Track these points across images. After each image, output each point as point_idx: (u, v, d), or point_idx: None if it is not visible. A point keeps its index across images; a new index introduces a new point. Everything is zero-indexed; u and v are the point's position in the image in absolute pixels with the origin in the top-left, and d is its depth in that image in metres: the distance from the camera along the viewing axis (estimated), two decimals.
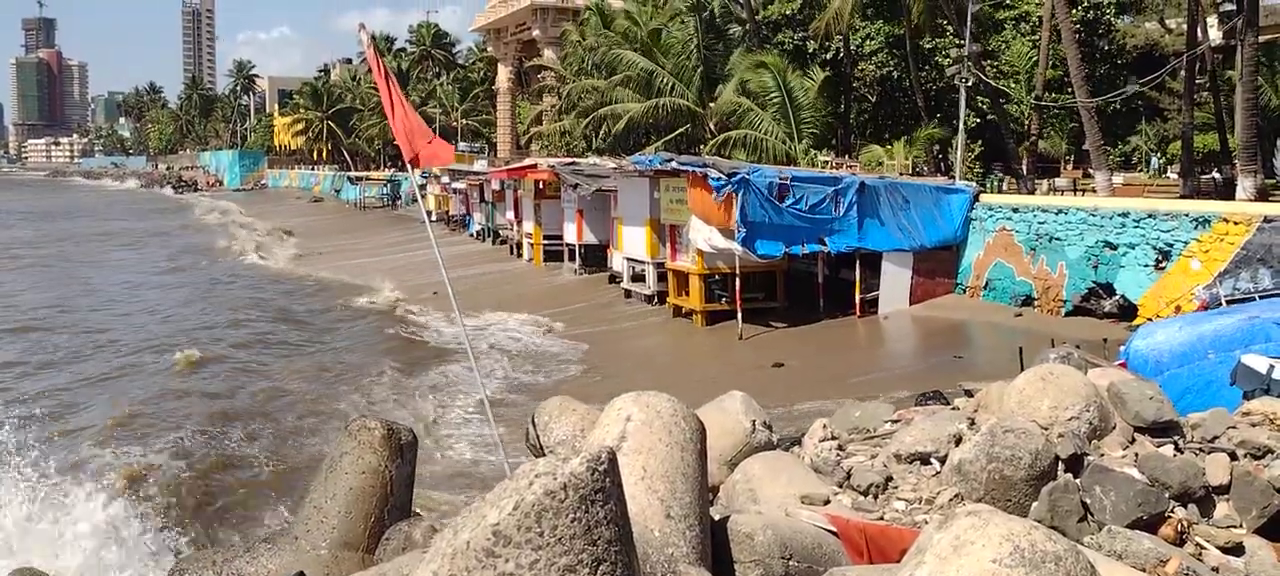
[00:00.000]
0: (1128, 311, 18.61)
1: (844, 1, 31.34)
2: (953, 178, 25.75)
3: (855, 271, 21.87)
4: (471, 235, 44.85)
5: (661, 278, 24.26)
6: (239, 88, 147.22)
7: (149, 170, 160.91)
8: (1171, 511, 5.21)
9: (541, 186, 33.29)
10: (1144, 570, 4.43)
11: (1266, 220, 16.79)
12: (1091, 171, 27.95)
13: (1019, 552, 2.85)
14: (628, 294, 26.16)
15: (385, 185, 69.10)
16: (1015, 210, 21.67)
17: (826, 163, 30.67)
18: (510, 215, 37.80)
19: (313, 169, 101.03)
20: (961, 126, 27.36)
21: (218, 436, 14.09)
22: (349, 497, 5.67)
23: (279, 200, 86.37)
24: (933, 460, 6.06)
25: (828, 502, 5.61)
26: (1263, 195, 23.43)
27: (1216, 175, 30.01)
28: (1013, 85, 34.65)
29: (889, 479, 6.02)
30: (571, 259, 31.45)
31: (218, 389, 17.55)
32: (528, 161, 38.43)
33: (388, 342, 22.44)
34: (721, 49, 38.09)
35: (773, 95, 33.01)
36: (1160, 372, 8.92)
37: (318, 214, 68.56)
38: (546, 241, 33.66)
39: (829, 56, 36.07)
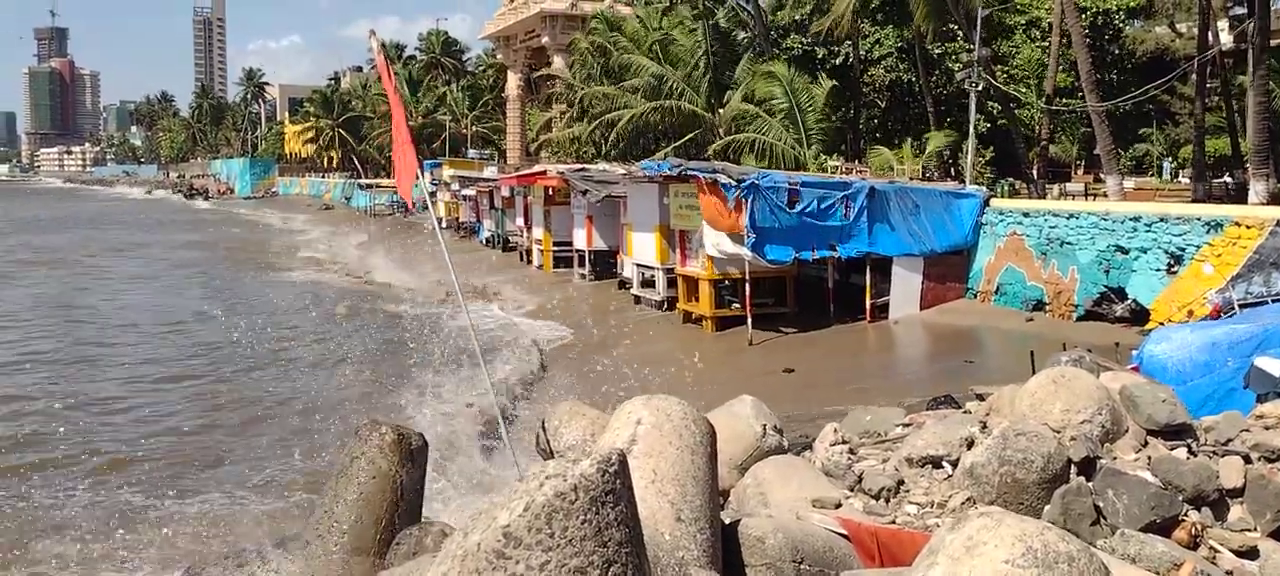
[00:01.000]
0: (1140, 316, 18.50)
1: (846, 4, 31.33)
2: (963, 183, 25.69)
3: (865, 276, 21.80)
4: (481, 242, 44.87)
5: (671, 283, 24.24)
6: (249, 96, 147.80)
7: (159, 177, 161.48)
8: (1185, 515, 5.18)
9: (551, 193, 33.34)
10: (1158, 574, 4.41)
11: (1279, 224, 16.71)
12: (1103, 176, 27.86)
13: (1032, 553, 2.84)
14: (637, 299, 26.11)
15: (395, 192, 69.28)
16: (1026, 214, 21.58)
17: (836, 168, 30.59)
18: (520, 221, 37.83)
19: (323, 176, 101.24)
20: (971, 131, 27.29)
21: None
22: (359, 502, 5.68)
23: (290, 207, 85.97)
24: (944, 464, 6.04)
25: (839, 506, 5.60)
26: (1275, 199, 23.28)
27: (1228, 179, 29.89)
28: (1023, 90, 34.55)
29: (901, 482, 6.00)
30: (581, 265, 31.46)
31: None
32: (537, 168, 38.45)
33: (390, 343, 22.37)
34: (729, 55, 38.10)
35: (781, 103, 33.03)
36: (1182, 382, 8.86)
37: (330, 222, 68.70)
38: (556, 247, 33.66)
39: (838, 62, 36.04)
